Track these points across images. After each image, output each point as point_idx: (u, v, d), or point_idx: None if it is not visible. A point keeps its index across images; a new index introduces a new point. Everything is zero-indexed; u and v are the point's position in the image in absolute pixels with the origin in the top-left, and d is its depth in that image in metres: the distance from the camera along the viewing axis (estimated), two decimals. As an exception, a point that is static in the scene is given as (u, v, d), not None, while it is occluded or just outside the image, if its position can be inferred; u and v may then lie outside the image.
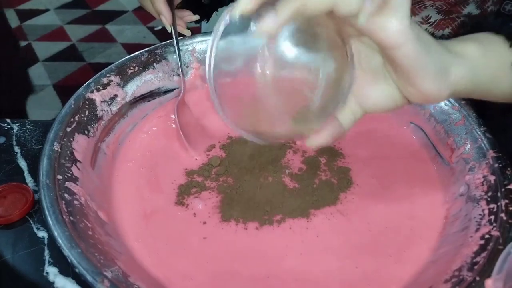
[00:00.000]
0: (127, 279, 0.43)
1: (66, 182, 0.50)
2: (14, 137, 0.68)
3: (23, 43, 2.36)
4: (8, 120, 0.70)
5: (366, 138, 0.65)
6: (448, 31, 0.72)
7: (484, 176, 0.53)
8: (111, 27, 2.55)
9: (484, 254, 0.45)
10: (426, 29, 0.72)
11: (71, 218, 0.47)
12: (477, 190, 0.53)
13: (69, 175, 0.52)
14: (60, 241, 0.43)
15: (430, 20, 0.76)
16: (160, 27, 2.50)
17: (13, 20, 2.54)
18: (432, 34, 0.68)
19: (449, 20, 0.71)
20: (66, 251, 0.43)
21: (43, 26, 2.52)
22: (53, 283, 0.51)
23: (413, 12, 0.74)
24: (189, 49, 0.70)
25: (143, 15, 2.66)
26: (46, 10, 2.66)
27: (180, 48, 0.68)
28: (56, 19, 2.59)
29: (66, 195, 0.49)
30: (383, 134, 0.66)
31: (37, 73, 2.18)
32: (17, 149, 0.66)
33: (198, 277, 0.49)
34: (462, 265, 0.45)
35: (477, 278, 0.43)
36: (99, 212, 0.51)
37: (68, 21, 2.57)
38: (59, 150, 0.53)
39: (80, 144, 0.56)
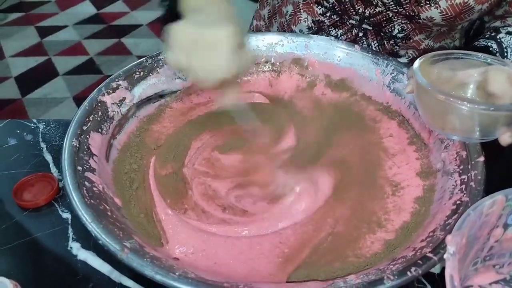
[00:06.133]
0: (144, 249, 0.48)
1: (86, 172, 0.56)
2: (40, 134, 0.76)
3: (43, 58, 2.45)
4: (34, 120, 0.79)
5: (356, 123, 0.71)
6: None
7: (457, 152, 0.59)
8: (127, 41, 2.62)
9: (455, 217, 0.51)
10: None
11: (92, 201, 0.52)
12: (451, 165, 0.58)
13: (88, 166, 0.57)
14: (84, 219, 0.49)
15: None
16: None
17: (34, 36, 2.65)
18: None
19: None
20: (90, 227, 0.48)
21: (62, 41, 2.60)
22: (76, 255, 0.59)
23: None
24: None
25: (157, 29, 2.71)
26: (65, 26, 2.74)
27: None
28: (75, 35, 2.67)
29: (86, 182, 0.54)
30: (371, 120, 0.72)
31: (58, 86, 2.26)
32: (43, 145, 0.74)
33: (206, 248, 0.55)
34: (436, 227, 0.51)
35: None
36: (115, 199, 0.57)
37: (86, 36, 2.65)
38: (77, 145, 0.58)
39: (96, 140, 0.61)
